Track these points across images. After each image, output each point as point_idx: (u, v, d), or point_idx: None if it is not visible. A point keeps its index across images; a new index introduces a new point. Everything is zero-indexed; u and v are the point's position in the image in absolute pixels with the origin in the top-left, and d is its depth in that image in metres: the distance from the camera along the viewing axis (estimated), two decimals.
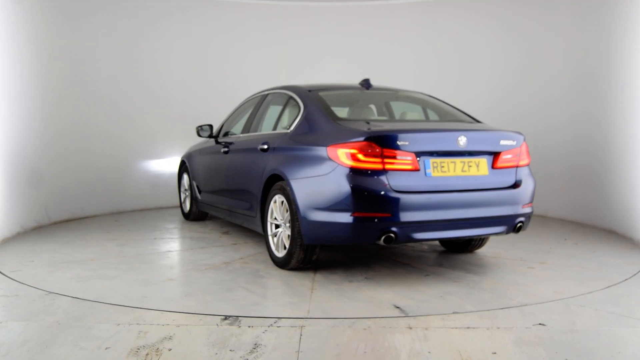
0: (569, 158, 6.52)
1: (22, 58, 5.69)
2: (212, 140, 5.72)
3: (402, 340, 2.66)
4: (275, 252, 4.13)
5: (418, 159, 3.54)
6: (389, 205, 3.43)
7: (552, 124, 6.78)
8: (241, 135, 5.10)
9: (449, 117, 4.42)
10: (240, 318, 2.95)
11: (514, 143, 3.85)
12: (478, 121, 4.37)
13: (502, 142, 3.81)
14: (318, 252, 3.96)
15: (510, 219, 3.80)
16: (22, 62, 5.70)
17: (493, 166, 3.77)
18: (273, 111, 4.81)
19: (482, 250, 4.69)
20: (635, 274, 3.99)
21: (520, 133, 3.96)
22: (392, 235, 3.46)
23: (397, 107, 4.85)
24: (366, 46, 8.04)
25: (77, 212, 6.53)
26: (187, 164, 6.37)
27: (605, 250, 4.82)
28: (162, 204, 7.63)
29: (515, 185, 3.84)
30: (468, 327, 2.84)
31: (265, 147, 4.32)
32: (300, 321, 2.91)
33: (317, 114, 4.03)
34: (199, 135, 5.67)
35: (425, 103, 4.70)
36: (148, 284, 3.70)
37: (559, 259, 4.48)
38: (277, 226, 4.12)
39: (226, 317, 2.96)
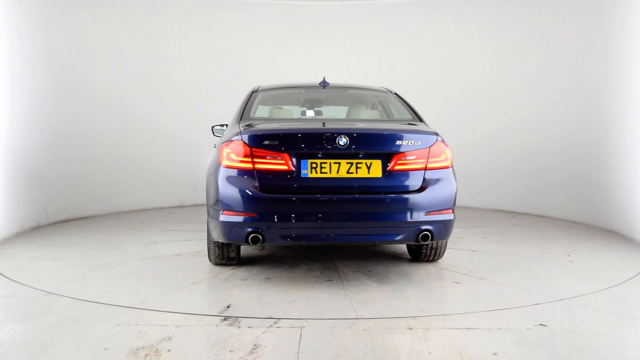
0: (569, 158, 6.51)
1: (24, 58, 5.67)
2: None
3: (402, 341, 2.65)
4: None
5: (293, 159, 3.42)
6: (255, 205, 3.38)
7: (552, 125, 6.77)
8: None
9: (398, 115, 4.25)
10: (239, 319, 2.94)
11: (419, 144, 3.53)
12: (422, 121, 4.07)
13: (400, 143, 3.51)
14: (236, 250, 3.97)
15: (410, 227, 3.45)
16: (24, 62, 5.67)
17: (389, 168, 3.48)
18: None
19: (441, 260, 4.30)
20: (635, 275, 3.98)
21: (434, 133, 3.64)
22: (258, 236, 3.39)
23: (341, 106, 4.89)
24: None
25: (76, 212, 6.51)
26: None
27: (585, 272, 4.06)
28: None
29: (421, 189, 3.51)
30: (468, 328, 2.83)
31: (215, 145, 4.44)
32: (300, 322, 2.90)
33: (238, 113, 4.08)
34: (214, 134, 5.70)
35: (375, 100, 4.64)
36: (78, 267, 4.05)
37: (512, 276, 3.88)
38: None
39: (226, 318, 2.95)
